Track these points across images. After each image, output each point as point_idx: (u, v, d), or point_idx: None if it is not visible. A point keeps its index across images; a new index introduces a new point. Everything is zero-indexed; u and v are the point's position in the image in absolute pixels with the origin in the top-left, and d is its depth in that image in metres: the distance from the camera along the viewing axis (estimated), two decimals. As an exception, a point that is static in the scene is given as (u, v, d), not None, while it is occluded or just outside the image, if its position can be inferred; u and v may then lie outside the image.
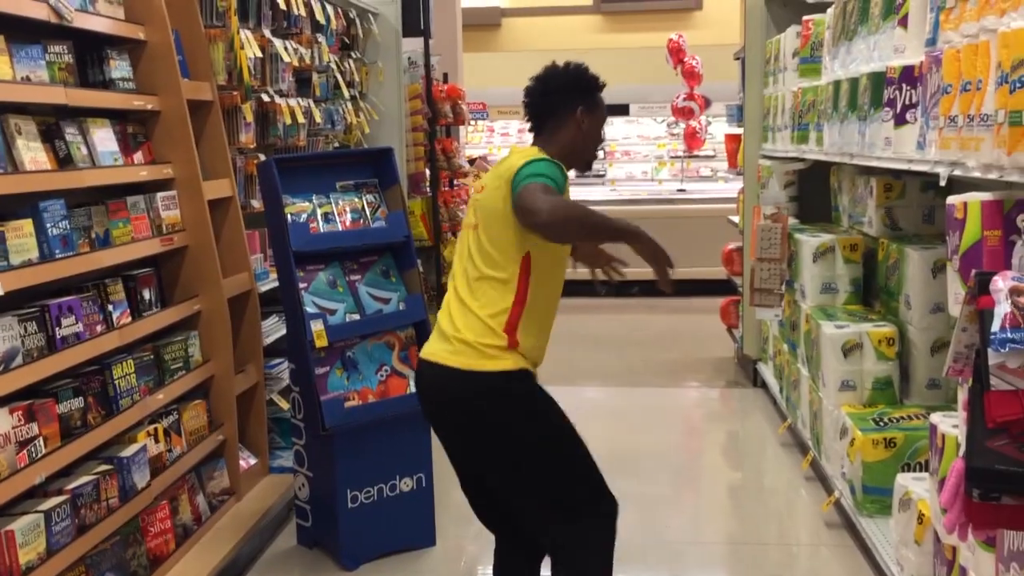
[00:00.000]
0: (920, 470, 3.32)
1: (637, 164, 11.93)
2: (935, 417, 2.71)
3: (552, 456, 2.54)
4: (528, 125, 2.74)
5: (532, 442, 2.52)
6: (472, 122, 10.78)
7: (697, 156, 10.96)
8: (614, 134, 12.18)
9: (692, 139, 10.26)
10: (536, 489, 2.54)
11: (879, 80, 3.26)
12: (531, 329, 2.56)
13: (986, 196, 2.34)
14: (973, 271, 2.08)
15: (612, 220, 2.50)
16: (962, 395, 2.41)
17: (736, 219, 6.58)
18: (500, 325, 2.51)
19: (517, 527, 2.74)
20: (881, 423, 3.48)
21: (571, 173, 2.70)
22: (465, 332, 2.52)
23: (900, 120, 3.08)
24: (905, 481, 3.02)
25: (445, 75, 7.37)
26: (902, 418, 3.51)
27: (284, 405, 4.14)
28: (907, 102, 3.05)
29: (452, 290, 2.63)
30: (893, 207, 4.02)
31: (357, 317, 3.65)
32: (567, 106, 2.67)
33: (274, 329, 4.21)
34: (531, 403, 2.56)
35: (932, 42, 2.76)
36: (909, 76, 3.03)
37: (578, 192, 10.26)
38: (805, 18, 4.68)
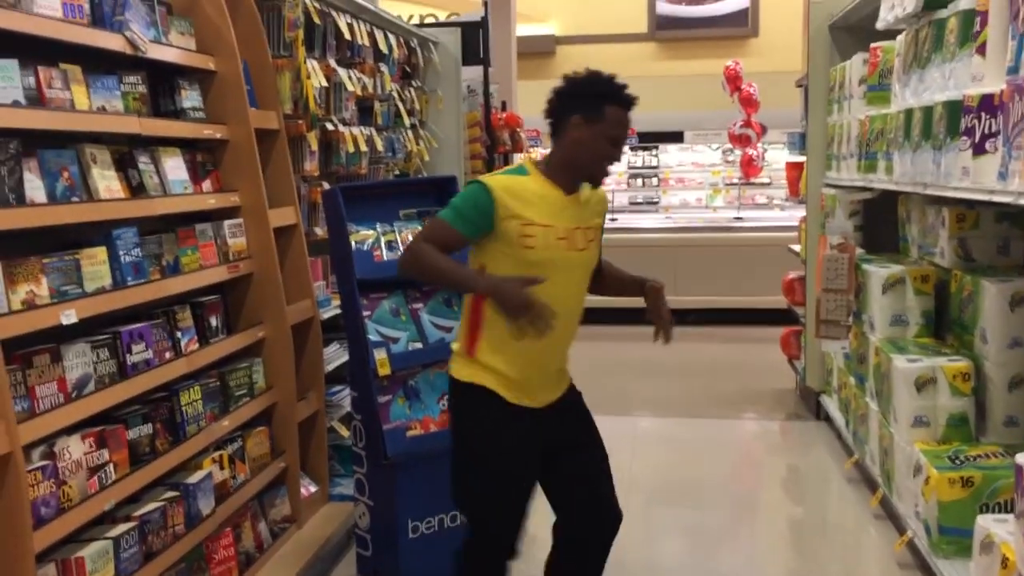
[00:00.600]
0: (999, 511, 3.20)
1: (691, 191, 11.85)
2: (1020, 458, 2.60)
3: (463, 475, 2.78)
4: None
5: (457, 454, 2.79)
6: (528, 149, 10.80)
7: (753, 183, 10.87)
8: (668, 161, 12.13)
9: (749, 166, 10.17)
10: (454, 486, 2.83)
11: (956, 108, 3.18)
12: (498, 348, 2.65)
13: (1078, 229, 2.26)
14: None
15: (457, 276, 2.68)
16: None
17: (797, 248, 6.48)
18: (464, 334, 2.74)
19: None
20: (957, 461, 3.37)
21: (586, 187, 2.74)
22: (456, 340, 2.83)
23: (979, 150, 3.00)
24: (986, 523, 2.91)
25: (504, 103, 7.39)
26: (979, 456, 3.39)
27: (344, 433, 4.14)
28: (987, 131, 2.96)
29: None
30: (967, 238, 3.92)
31: (420, 346, 3.64)
32: (566, 114, 2.65)
33: (335, 356, 4.21)
34: (468, 423, 2.74)
35: (1014, 70, 2.69)
36: (989, 105, 2.94)
37: (631, 219, 10.22)
38: (873, 45, 4.61)
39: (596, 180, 2.75)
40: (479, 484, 2.73)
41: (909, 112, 3.78)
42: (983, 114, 2.97)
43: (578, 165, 2.67)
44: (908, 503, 3.70)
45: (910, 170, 3.76)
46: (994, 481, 3.25)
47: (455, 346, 2.81)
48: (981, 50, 3.11)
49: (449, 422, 2.88)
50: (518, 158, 8.44)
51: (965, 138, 3.07)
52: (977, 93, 3.02)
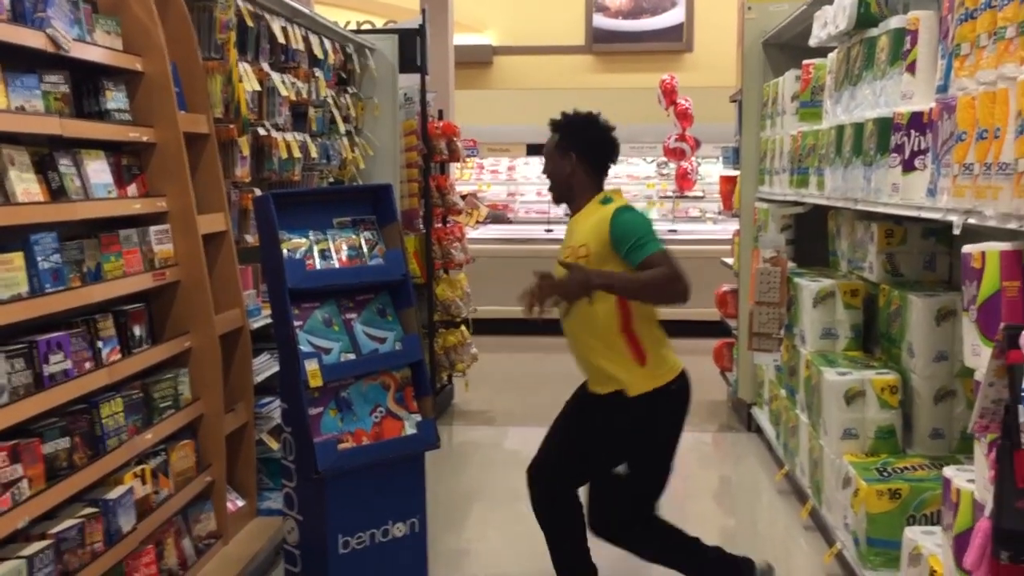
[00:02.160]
0: (926, 522, 3.25)
1: (627, 203, 11.93)
2: (949, 471, 2.64)
3: (657, 469, 3.40)
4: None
5: (651, 462, 3.39)
6: (464, 159, 10.77)
7: (687, 197, 10.98)
8: (604, 173, 12.20)
9: (683, 180, 10.28)
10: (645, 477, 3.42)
11: (886, 126, 3.24)
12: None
13: (1004, 246, 2.30)
14: (1003, 324, 2.03)
15: None
16: (979, 449, 2.35)
17: (730, 261, 6.55)
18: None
19: None
20: (885, 473, 3.42)
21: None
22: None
23: (908, 166, 3.06)
24: (914, 535, 2.95)
25: (440, 112, 7.35)
26: (906, 468, 3.45)
27: (274, 445, 4.04)
28: (916, 148, 3.02)
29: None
30: (895, 253, 3.99)
31: (352, 357, 3.56)
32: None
33: (265, 367, 4.11)
34: (668, 424, 3.39)
35: (944, 89, 2.74)
36: (918, 122, 3.00)
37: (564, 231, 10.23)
38: (805, 62, 4.68)
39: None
40: (666, 467, 3.31)
41: (840, 128, 3.84)
42: (913, 131, 3.03)
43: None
44: (837, 515, 3.74)
45: (841, 185, 3.82)
46: (921, 493, 3.31)
47: (614, 370, 3.18)
48: (911, 68, 3.18)
49: (637, 439, 3.25)
50: (454, 169, 8.39)
51: (895, 155, 3.13)
52: (907, 111, 3.08)
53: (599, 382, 3.27)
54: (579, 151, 3.26)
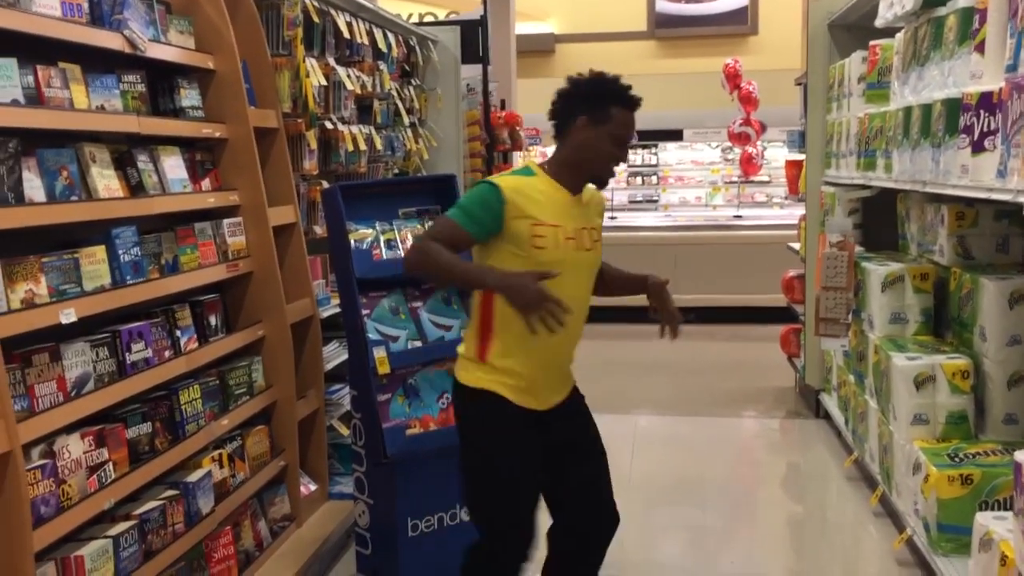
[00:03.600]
0: (999, 508, 3.20)
1: (691, 189, 11.85)
2: (1020, 455, 2.60)
3: (474, 483, 2.77)
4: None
5: (467, 461, 2.79)
6: (528, 148, 10.81)
7: (752, 181, 10.87)
8: (667, 159, 12.13)
9: (748, 164, 10.16)
10: (465, 493, 2.86)
11: (955, 106, 3.18)
12: (511, 351, 2.65)
13: (1076, 227, 2.26)
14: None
15: (467, 273, 2.68)
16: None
17: (796, 246, 6.48)
18: (474, 338, 2.72)
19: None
20: (957, 459, 3.37)
21: (590, 187, 2.77)
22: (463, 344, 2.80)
23: (978, 147, 3.00)
24: (986, 520, 2.91)
25: (503, 101, 7.39)
26: (978, 454, 3.39)
27: (344, 431, 4.14)
28: (985, 129, 2.96)
29: None
30: (966, 236, 3.92)
31: (419, 344, 3.64)
32: (571, 115, 2.66)
33: (335, 355, 4.21)
34: (477, 429, 2.74)
35: (1013, 68, 2.69)
36: (988, 102, 2.94)
37: (631, 217, 10.22)
38: (872, 43, 4.61)
39: (602, 181, 2.76)
40: (489, 490, 2.72)
41: (908, 110, 3.78)
42: (982, 112, 2.97)
43: (585, 166, 2.69)
44: (907, 501, 3.70)
45: (909, 168, 3.76)
46: (994, 479, 3.25)
47: (461, 350, 2.78)
48: (980, 48, 3.11)
49: (457, 426, 2.83)
50: (518, 158, 8.45)
51: (964, 136, 3.07)
52: (976, 91, 3.02)
53: (570, 380, 2.87)
54: (593, 115, 2.66)
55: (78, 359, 2.58)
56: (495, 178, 2.71)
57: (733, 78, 9.84)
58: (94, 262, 2.69)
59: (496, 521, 2.73)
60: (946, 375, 3.64)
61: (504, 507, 2.71)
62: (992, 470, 3.27)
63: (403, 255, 2.65)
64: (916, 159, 3.65)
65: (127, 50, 2.89)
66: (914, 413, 3.69)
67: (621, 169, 12.13)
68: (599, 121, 2.63)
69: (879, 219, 5.14)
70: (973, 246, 3.93)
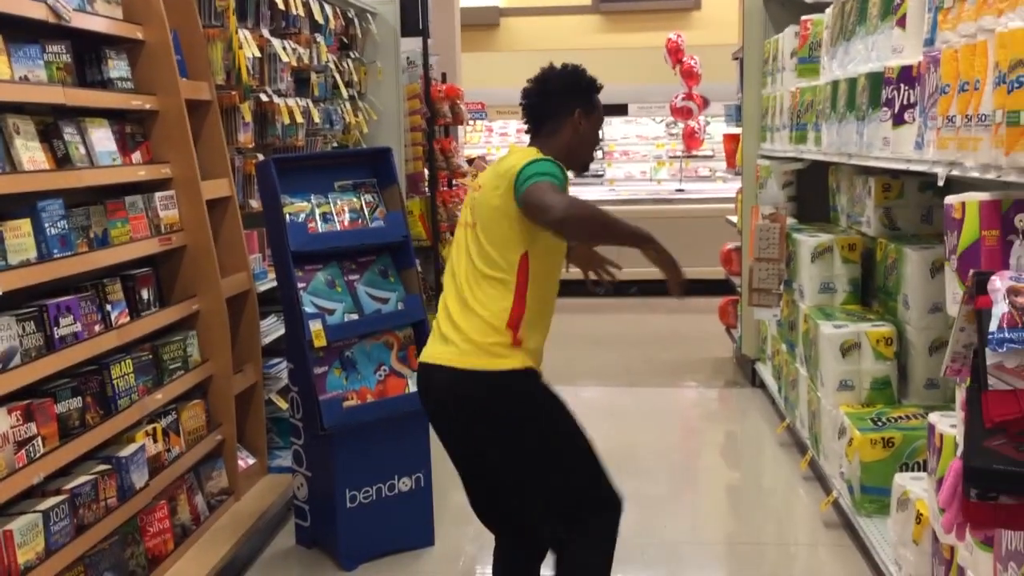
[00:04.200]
0: (919, 470, 3.32)
1: (636, 164, 11.93)
2: (933, 417, 2.71)
3: (558, 455, 2.58)
4: (526, 126, 2.75)
5: (540, 441, 2.56)
6: (471, 122, 10.79)
7: (696, 156, 10.97)
8: (612, 134, 12.18)
9: (691, 139, 10.27)
10: (543, 487, 2.59)
11: (877, 80, 3.26)
12: (533, 328, 2.59)
13: (984, 196, 2.34)
14: (971, 271, 2.08)
15: (625, 223, 2.54)
16: (960, 395, 2.41)
17: (734, 219, 6.58)
18: (503, 323, 2.53)
19: (518, 526, 2.76)
20: (879, 423, 3.49)
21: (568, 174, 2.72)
22: (471, 333, 2.54)
23: (898, 120, 3.09)
24: (903, 481, 3.03)
25: (444, 75, 7.37)
26: (900, 418, 3.51)
27: (283, 405, 4.14)
28: (905, 102, 3.05)
29: (451, 290, 2.64)
30: (891, 207, 4.02)
31: (356, 317, 3.65)
32: (565, 108, 2.70)
33: (272, 329, 4.21)
34: (539, 402, 2.60)
35: (930, 42, 2.77)
36: (907, 76, 3.03)
37: (576, 191, 10.27)
38: (803, 18, 4.69)
39: (587, 167, 2.85)
40: (576, 454, 2.59)
41: (835, 84, 3.86)
42: (902, 85, 3.05)
43: (577, 154, 2.74)
44: (834, 464, 3.82)
45: (836, 140, 3.84)
46: (913, 441, 3.38)
47: (481, 339, 2.53)
48: (901, 22, 3.19)
49: (496, 420, 2.55)
50: (460, 133, 8.42)
51: (886, 109, 3.16)
52: (897, 65, 3.10)
53: None
54: (585, 106, 2.72)
55: (3, 333, 2.55)
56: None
57: (675, 53, 9.91)
58: (19, 236, 2.66)
59: (599, 480, 2.59)
60: (871, 342, 3.76)
61: (596, 464, 2.60)
62: (912, 433, 3.39)
63: (552, 210, 2.38)
64: (843, 132, 3.74)
65: (51, 19, 2.84)
66: (840, 379, 3.81)
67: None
68: (591, 111, 2.73)
69: (813, 191, 5.25)
70: (899, 217, 4.04)
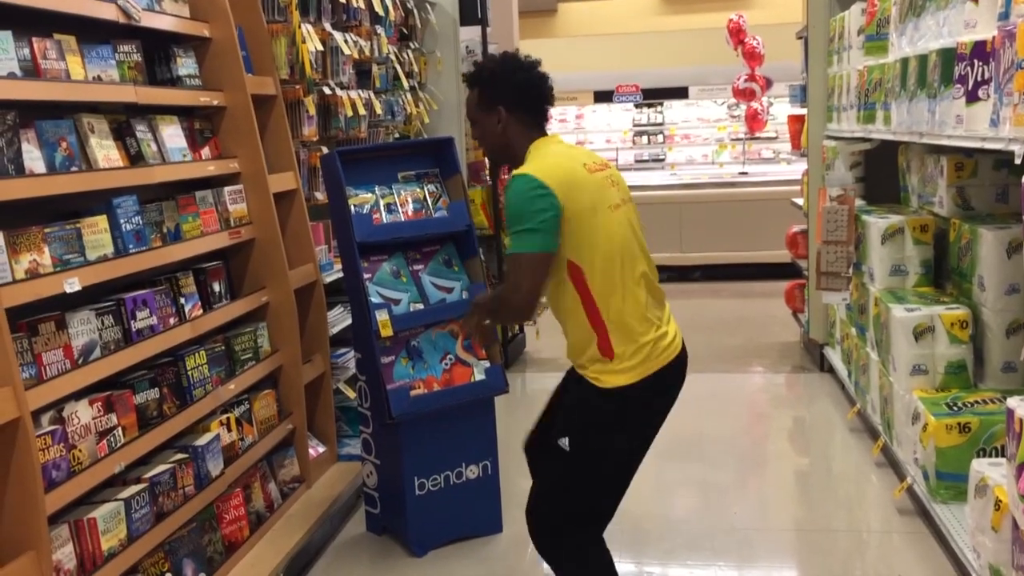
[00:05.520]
0: (996, 455, 3.24)
1: (697, 147, 11.80)
2: (1012, 401, 2.63)
3: (581, 478, 2.63)
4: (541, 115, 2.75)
5: (576, 461, 2.61)
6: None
7: (759, 138, 10.81)
8: (673, 117, 12.07)
9: (754, 121, 10.10)
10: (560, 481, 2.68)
11: (949, 56, 3.18)
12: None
13: (1065, 173, 2.27)
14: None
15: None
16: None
17: (800, 201, 6.47)
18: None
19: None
20: (955, 408, 3.41)
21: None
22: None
23: (972, 97, 3.00)
24: (981, 467, 2.95)
25: (503, 63, 7.35)
26: (976, 402, 3.43)
27: (351, 394, 4.20)
28: (979, 78, 2.96)
29: (647, 273, 2.65)
30: (965, 186, 3.92)
31: (421, 306, 3.68)
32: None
33: (339, 319, 4.26)
34: (616, 426, 2.63)
35: (1005, 16, 2.69)
36: (981, 52, 2.94)
37: (637, 177, 10.20)
38: (870, -6, 4.58)
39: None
40: (599, 480, 2.62)
41: (905, 61, 3.77)
42: (976, 61, 2.97)
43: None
44: (907, 450, 3.74)
45: (906, 119, 3.75)
46: (991, 426, 3.29)
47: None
48: (974, -4, 3.10)
49: (582, 435, 2.57)
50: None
51: (959, 86, 3.07)
52: (970, 40, 3.01)
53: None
54: (507, 102, 2.67)
55: (84, 327, 2.63)
56: None
57: (737, 33, 9.75)
58: (96, 232, 2.73)
59: (594, 502, 2.66)
60: (945, 325, 3.67)
61: (609, 486, 2.66)
62: (990, 418, 3.31)
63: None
64: (913, 110, 3.65)
65: (121, 20, 2.91)
66: (913, 364, 3.73)
67: (627, 128, 12.11)
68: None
69: (881, 172, 5.14)
70: (972, 196, 3.93)
